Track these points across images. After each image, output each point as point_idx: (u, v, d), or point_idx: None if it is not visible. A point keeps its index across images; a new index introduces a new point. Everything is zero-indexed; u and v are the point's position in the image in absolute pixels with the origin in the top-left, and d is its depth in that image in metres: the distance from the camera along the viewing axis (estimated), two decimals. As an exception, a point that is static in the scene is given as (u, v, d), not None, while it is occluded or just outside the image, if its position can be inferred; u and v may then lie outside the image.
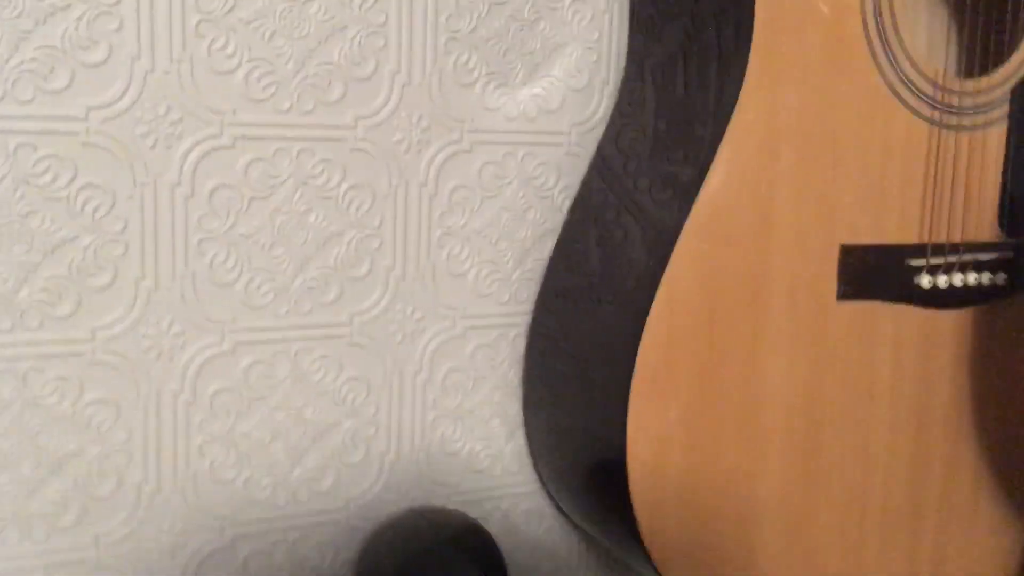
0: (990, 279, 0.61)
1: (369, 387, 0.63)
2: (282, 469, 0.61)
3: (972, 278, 0.61)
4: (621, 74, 0.66)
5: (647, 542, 0.56)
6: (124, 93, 0.52)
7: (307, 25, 0.56)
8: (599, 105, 0.66)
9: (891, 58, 0.56)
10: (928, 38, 0.65)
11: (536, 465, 0.69)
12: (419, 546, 0.58)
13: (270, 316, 0.59)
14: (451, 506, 0.66)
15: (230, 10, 0.54)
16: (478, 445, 0.67)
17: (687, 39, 0.59)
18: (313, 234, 0.59)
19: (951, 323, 0.61)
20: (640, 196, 0.59)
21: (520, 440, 0.69)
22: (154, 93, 0.53)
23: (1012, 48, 0.60)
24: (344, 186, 0.60)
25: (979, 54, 0.61)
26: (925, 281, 0.60)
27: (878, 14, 0.56)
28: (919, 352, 0.61)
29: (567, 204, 0.66)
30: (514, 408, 0.68)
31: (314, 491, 0.63)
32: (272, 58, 0.56)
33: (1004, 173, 0.61)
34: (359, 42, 0.58)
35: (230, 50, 0.55)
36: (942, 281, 0.60)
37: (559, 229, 0.66)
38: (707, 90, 0.57)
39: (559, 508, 0.71)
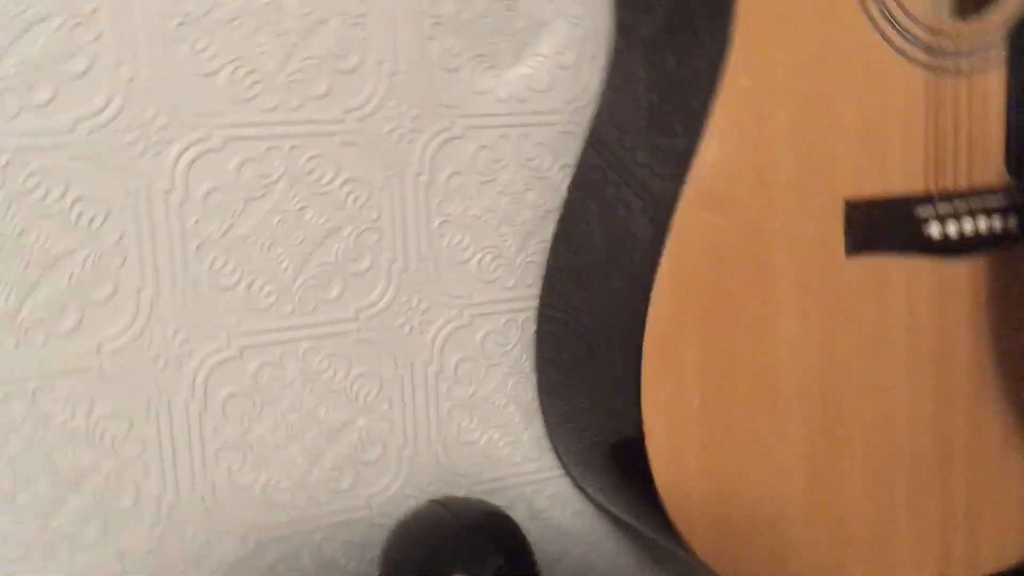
0: (1001, 224, 0.60)
1: (380, 382, 0.62)
2: (300, 471, 0.61)
3: (982, 224, 0.60)
4: (610, 48, 0.65)
5: (673, 519, 0.56)
6: (109, 102, 0.52)
7: (287, 21, 0.56)
8: (590, 81, 0.65)
9: (882, 6, 0.55)
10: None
11: (556, 450, 0.69)
12: (442, 536, 0.57)
13: (274, 317, 0.59)
14: (473, 496, 0.65)
15: (208, 11, 0.54)
16: (496, 433, 0.67)
17: (674, 9, 0.58)
18: (311, 231, 0.59)
19: (964, 271, 0.60)
20: (639, 170, 0.58)
21: (538, 425, 0.68)
22: (139, 100, 0.53)
23: (1005, -12, 0.59)
24: (338, 180, 0.59)
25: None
26: (934, 230, 0.58)
27: (864, -38, 0.55)
28: (934, 303, 0.60)
29: (566, 183, 0.65)
30: (529, 394, 0.67)
31: (334, 491, 0.62)
32: (254, 57, 0.55)
33: (1007, 116, 0.60)
34: (341, 33, 0.58)
35: (212, 51, 0.54)
36: (952, 229, 0.59)
37: (560, 209, 0.65)
38: (698, 59, 0.56)
39: (583, 492, 0.70)
